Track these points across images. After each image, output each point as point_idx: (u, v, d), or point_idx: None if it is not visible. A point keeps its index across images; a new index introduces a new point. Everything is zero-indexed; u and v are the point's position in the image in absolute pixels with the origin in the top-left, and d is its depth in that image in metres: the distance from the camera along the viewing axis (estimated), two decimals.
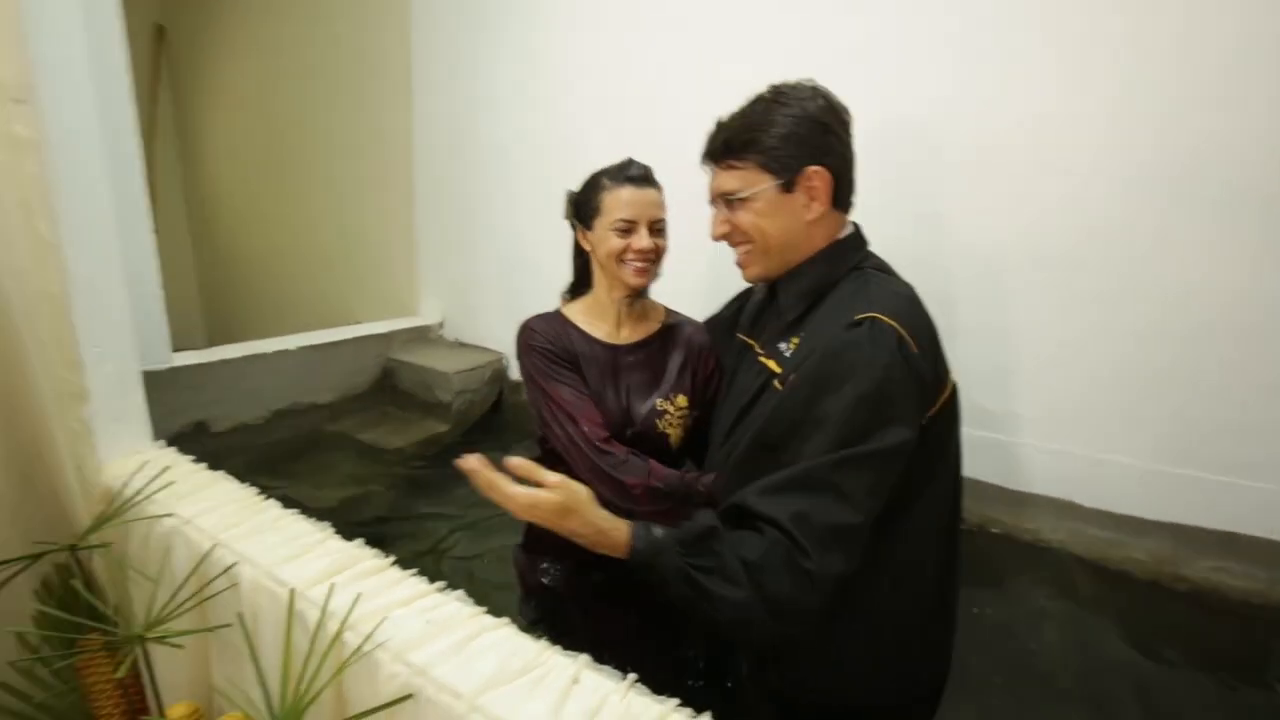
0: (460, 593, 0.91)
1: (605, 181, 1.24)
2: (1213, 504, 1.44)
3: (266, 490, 1.21)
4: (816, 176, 0.99)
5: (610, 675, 0.77)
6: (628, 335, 1.30)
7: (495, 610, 0.87)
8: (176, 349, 2.13)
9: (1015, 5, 1.50)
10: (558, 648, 0.81)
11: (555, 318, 1.31)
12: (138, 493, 1.16)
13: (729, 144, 1.03)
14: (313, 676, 0.77)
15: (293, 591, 0.87)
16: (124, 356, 1.37)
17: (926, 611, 1.05)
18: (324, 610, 0.83)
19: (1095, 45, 1.43)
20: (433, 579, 0.94)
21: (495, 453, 0.95)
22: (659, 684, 0.76)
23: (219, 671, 1.05)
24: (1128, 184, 1.44)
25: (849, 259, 1.04)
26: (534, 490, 0.91)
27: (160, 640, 0.93)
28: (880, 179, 1.32)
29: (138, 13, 2.05)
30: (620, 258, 1.22)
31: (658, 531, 0.92)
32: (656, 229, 1.24)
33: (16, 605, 1.17)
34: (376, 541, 1.04)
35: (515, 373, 2.47)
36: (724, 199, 1.05)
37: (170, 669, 1.07)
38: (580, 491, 0.93)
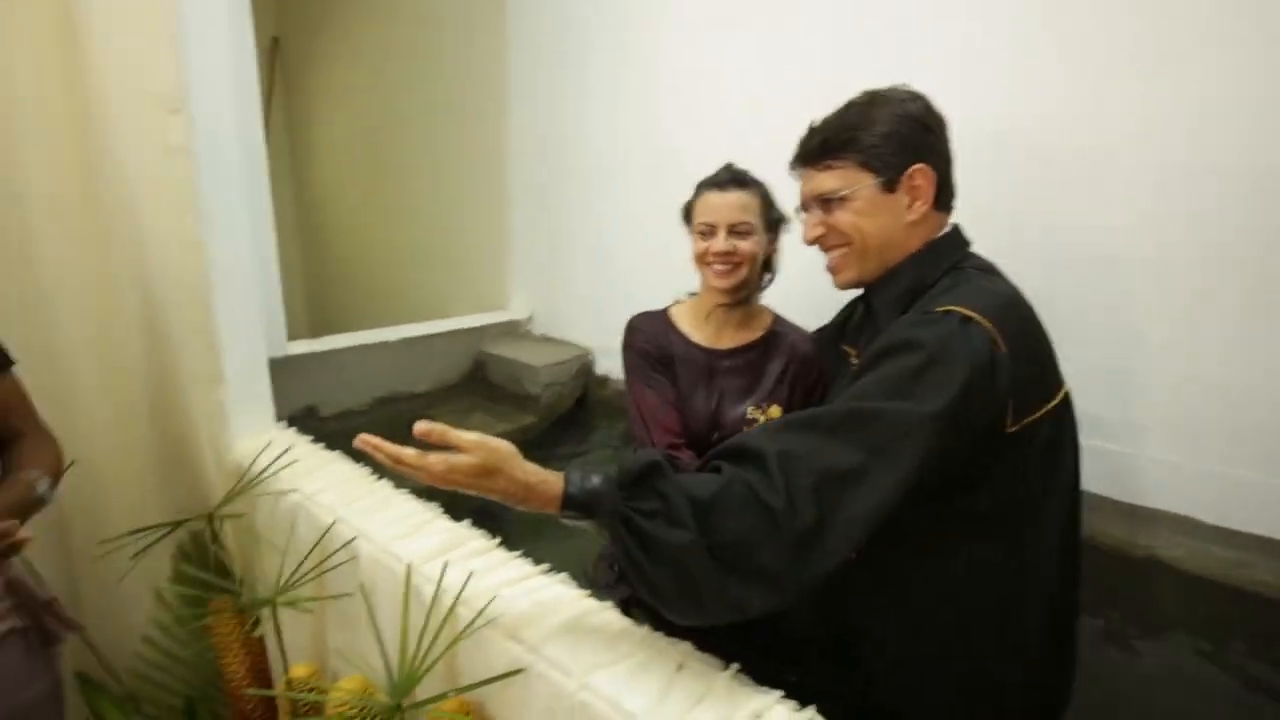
0: (565, 575, 0.94)
1: (699, 187, 1.30)
2: None
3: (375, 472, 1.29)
4: (920, 175, 0.97)
5: (712, 663, 0.78)
6: (728, 340, 1.31)
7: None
8: (288, 339, 2.29)
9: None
10: (660, 633, 0.83)
11: (659, 317, 1.34)
12: (265, 469, 1.26)
13: (827, 143, 1.01)
14: (428, 647, 0.81)
15: (409, 566, 0.93)
16: (254, 343, 1.49)
17: (1037, 644, 0.97)
18: (439, 585, 0.88)
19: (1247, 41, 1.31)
20: (536, 562, 0.98)
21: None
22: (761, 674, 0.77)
23: (335, 637, 1.13)
24: (1270, 189, 1.32)
25: (948, 257, 1.00)
26: (449, 454, 0.77)
27: (291, 604, 1.01)
28: (1009, 185, 1.28)
29: (260, 26, 2.21)
30: (702, 260, 1.26)
31: (596, 479, 0.80)
32: (737, 232, 1.23)
33: (156, 567, 1.30)
34: (477, 524, 1.10)
35: (600, 368, 2.52)
36: (820, 201, 1.03)
37: (292, 631, 1.15)
38: (501, 448, 0.79)
